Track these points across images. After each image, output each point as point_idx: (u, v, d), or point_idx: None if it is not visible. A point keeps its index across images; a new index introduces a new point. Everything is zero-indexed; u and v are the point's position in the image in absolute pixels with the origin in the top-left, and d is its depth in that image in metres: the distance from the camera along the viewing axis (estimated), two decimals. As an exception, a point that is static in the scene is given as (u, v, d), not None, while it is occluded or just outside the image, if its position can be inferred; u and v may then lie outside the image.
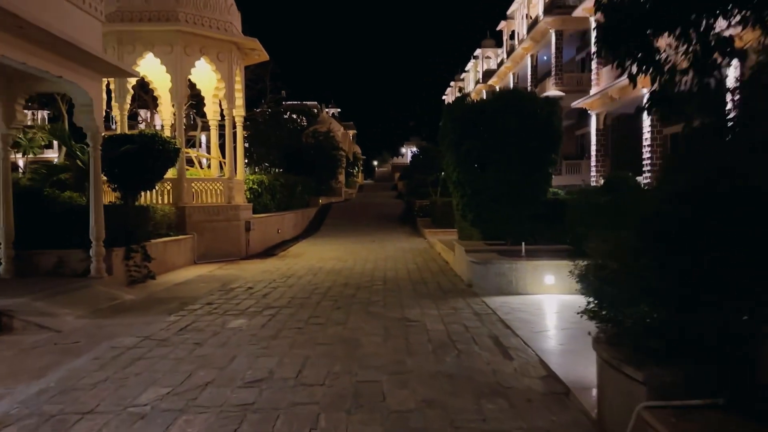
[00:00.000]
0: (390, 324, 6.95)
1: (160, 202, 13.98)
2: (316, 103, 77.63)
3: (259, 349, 5.88)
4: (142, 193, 13.79)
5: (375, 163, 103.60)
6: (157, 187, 13.82)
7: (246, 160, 38.71)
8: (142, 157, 12.06)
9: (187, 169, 17.24)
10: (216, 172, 17.11)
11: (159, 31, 13.83)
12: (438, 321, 7.03)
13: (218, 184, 14.88)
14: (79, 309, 8.05)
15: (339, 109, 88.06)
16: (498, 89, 49.08)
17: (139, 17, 13.83)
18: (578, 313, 4.16)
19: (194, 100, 22.34)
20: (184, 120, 31.91)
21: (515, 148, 9.90)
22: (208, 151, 17.15)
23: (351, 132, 76.41)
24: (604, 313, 3.83)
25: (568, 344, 5.86)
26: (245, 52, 15.79)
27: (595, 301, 3.95)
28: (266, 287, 10.01)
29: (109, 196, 13.21)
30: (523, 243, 9.46)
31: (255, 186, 18.96)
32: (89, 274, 9.66)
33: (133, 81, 14.84)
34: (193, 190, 14.36)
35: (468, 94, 10.81)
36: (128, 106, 14.86)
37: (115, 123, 14.97)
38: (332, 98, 72.38)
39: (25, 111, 10.50)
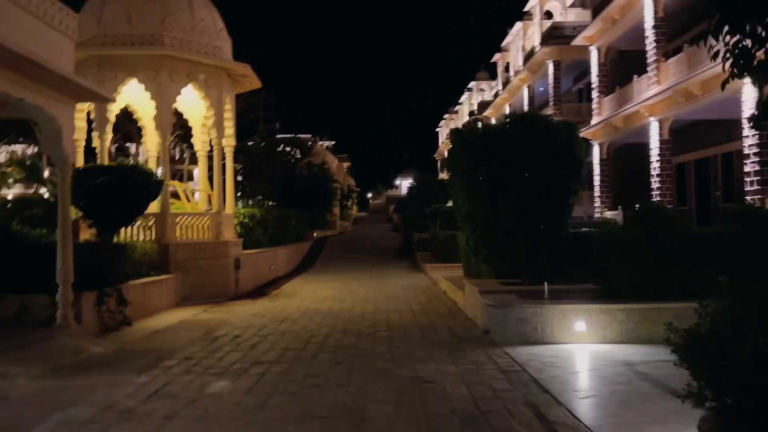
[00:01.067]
0: (402, 385, 5.82)
1: (142, 238, 12.88)
2: (310, 135, 77.20)
3: (243, 426, 4.74)
4: (123, 230, 12.71)
5: (369, 195, 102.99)
6: (138, 222, 12.74)
7: (239, 193, 37.88)
8: (121, 191, 11.01)
9: (173, 203, 16.21)
10: (204, 206, 16.06)
11: (143, 56, 12.91)
12: (459, 381, 5.90)
13: (205, 219, 13.81)
14: (36, 367, 6.88)
15: (333, 142, 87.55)
16: (493, 121, 48.66)
17: (122, 41, 12.93)
18: (681, 398, 3.04)
19: (182, 130, 21.44)
20: (171, 151, 30.95)
21: (534, 177, 8.93)
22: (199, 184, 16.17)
23: (345, 164, 75.84)
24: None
25: (625, 416, 4.75)
26: (236, 79, 14.90)
27: (710, 385, 2.85)
28: (255, 335, 8.86)
29: (86, 233, 12.11)
30: (545, 283, 8.39)
31: (246, 220, 17.90)
32: (55, 322, 8.49)
33: (115, 109, 13.88)
34: (178, 225, 13.28)
35: (479, 119, 9.79)
36: (110, 136, 13.86)
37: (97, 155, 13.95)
38: (326, 131, 71.83)
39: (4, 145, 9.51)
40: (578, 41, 26.45)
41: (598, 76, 25.79)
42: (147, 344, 8.47)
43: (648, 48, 20.23)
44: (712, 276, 8.42)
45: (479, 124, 9.73)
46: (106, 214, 11.12)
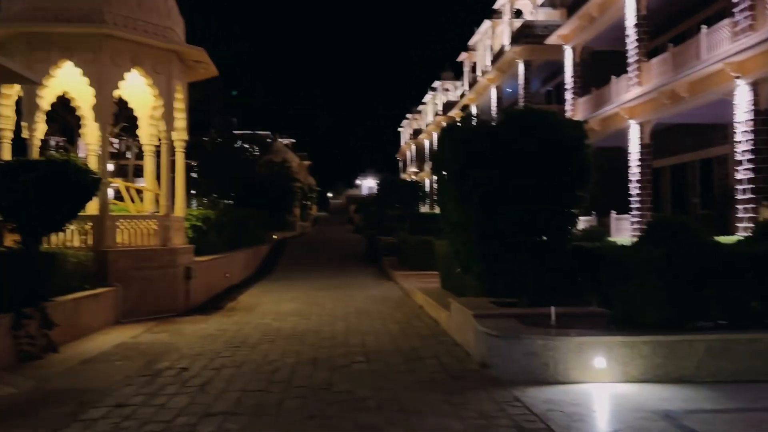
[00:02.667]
0: (397, 454, 4.48)
1: (78, 244, 11.16)
2: (269, 132, 75.07)
3: None
4: (54, 236, 10.98)
5: (329, 195, 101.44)
6: (73, 227, 11.04)
7: (194, 191, 35.84)
8: (49, 190, 9.33)
9: (116, 205, 14.45)
10: (151, 207, 14.36)
11: (80, 35, 11.19)
12: (470, 446, 4.60)
13: (151, 223, 12.15)
14: None
15: (293, 140, 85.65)
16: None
17: (56, 17, 11.18)
18: None
19: (128, 122, 19.55)
20: (115, 146, 28.67)
21: (535, 181, 7.72)
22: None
23: (306, 162, 74.09)
24: None
25: None
26: (189, 64, 13.27)
27: None
28: (206, 367, 7.37)
29: (10, 240, 10.34)
30: (552, 308, 7.17)
31: (199, 223, 16.22)
32: (-46, 353, 6.85)
33: (49, 96, 12.10)
34: (119, 230, 11.60)
35: (471, 114, 8.49)
36: (41, 127, 12.05)
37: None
38: (285, 128, 69.71)
39: None
40: (552, 40, 25.61)
41: (573, 76, 25.01)
42: (72, 380, 6.89)
43: (629, 47, 19.44)
44: (742, 301, 7.43)
45: (473, 121, 8.47)
46: (30, 218, 9.41)
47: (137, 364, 7.60)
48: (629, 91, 18.98)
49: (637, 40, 18.93)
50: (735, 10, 13.85)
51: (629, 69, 19.30)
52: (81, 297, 9.67)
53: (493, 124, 8.30)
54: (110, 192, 13.03)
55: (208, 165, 34.53)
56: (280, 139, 69.35)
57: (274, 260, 24.90)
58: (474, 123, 8.51)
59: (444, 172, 8.59)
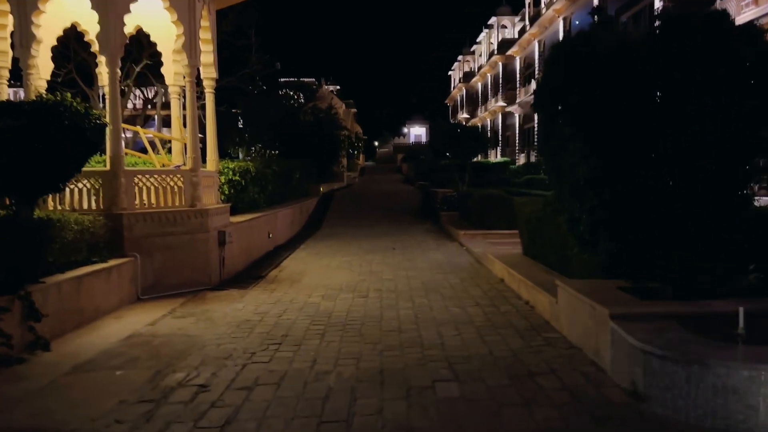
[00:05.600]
0: None
1: (93, 207, 9.22)
2: (314, 79, 72.42)
3: None
4: (57, 198, 9.06)
5: (376, 143, 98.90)
6: (82, 185, 9.09)
7: (237, 140, 33.95)
8: (36, 140, 7.29)
9: (138, 157, 12.47)
10: (181, 159, 12.31)
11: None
12: None
13: (176, 179, 10.08)
14: None
15: (338, 87, 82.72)
16: (519, 59, 43.95)
17: None
18: None
19: (152, 60, 17.41)
20: (137, 90, 26.35)
21: (708, 118, 5.16)
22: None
23: (352, 110, 71.52)
24: None
25: None
26: (216, -15, 10.90)
27: None
28: (234, 384, 5.31)
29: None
30: (741, 309, 4.72)
31: (237, 177, 14.19)
32: None
33: (50, 26, 10.02)
34: (137, 188, 9.57)
35: (611, 18, 5.85)
36: (40, 63, 10.03)
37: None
38: (330, 75, 66.75)
39: None
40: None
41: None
42: (43, 409, 4.92)
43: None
44: None
45: (615, 27, 5.82)
46: (15, 176, 7.42)
47: (143, 376, 5.60)
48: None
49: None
50: None
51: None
52: (85, 273, 7.73)
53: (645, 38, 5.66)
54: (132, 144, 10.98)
55: (251, 113, 32.44)
56: (326, 86, 66.70)
57: (322, 215, 22.89)
58: (614, 32, 5.90)
59: (559, 106, 6.08)
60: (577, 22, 32.64)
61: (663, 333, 4.78)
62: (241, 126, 33.87)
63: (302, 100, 47.33)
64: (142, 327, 7.49)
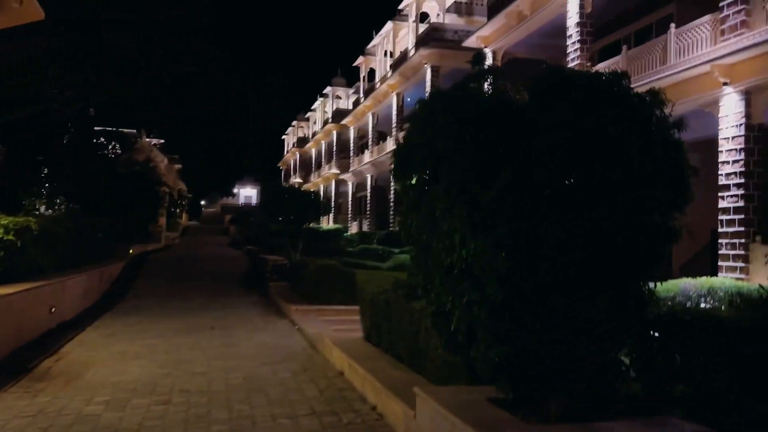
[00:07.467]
0: None
1: None
2: (135, 130, 67.14)
3: None
4: None
5: (203, 202, 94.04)
6: None
7: (35, 190, 29.19)
8: None
9: None
10: None
11: None
12: None
13: None
14: None
15: (163, 140, 77.62)
16: (354, 129, 44.26)
17: None
18: None
19: None
20: None
21: (605, 194, 4.23)
22: None
23: (177, 166, 67.13)
24: None
25: None
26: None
27: None
28: None
29: None
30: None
31: (9, 237, 11.19)
32: None
33: None
34: None
35: (487, 71, 4.72)
36: None
37: None
38: (155, 126, 62.03)
39: None
40: (471, 42, 22.86)
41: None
42: None
43: (569, 49, 16.97)
44: None
45: (488, 87, 4.74)
46: None
47: None
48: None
49: (579, 41, 16.52)
50: (724, 3, 11.54)
51: (568, 75, 16.82)
52: None
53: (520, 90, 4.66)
54: None
55: (56, 161, 28.23)
56: (148, 138, 61.93)
57: (129, 283, 19.68)
58: (488, 89, 4.83)
59: (426, 173, 4.84)
60: (409, 99, 33.56)
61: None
62: (44, 175, 29.36)
63: (119, 151, 42.99)
64: None
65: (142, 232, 28.89)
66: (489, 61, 22.17)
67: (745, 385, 4.73)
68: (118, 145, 44.15)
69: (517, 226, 4.19)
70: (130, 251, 23.86)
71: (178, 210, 53.51)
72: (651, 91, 4.76)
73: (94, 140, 38.86)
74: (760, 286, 6.80)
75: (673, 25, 13.35)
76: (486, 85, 4.98)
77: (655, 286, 4.70)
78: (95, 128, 44.71)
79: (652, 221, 4.48)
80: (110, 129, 55.31)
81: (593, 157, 4.35)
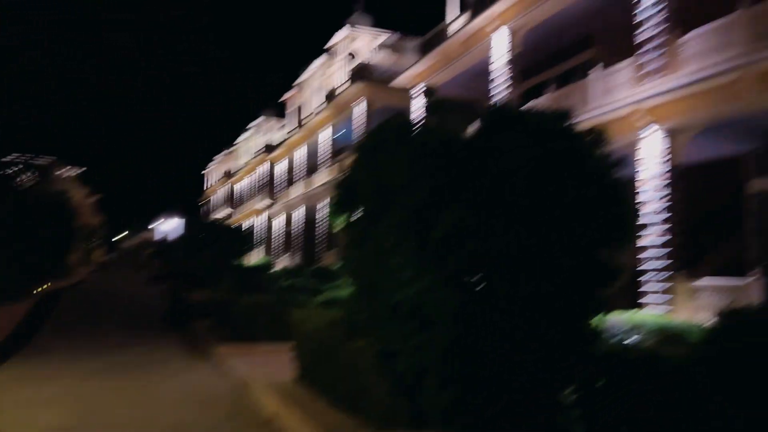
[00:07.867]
0: None
1: None
2: (51, 159, 63.69)
3: None
4: None
5: (122, 236, 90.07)
6: None
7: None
8: None
9: None
10: None
11: None
12: None
13: None
14: None
15: (83, 168, 73.88)
16: (288, 160, 43.59)
17: None
18: None
19: None
20: None
21: (549, 235, 4.15)
22: None
23: (92, 199, 64.06)
24: None
25: None
26: None
27: None
28: None
29: None
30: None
31: None
32: None
33: None
34: None
35: (441, 104, 4.65)
36: None
37: None
38: (73, 160, 59.37)
39: None
40: (402, 80, 23.16)
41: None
42: None
43: (495, 91, 17.49)
44: None
45: (448, 127, 4.56)
46: None
47: None
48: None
49: (506, 81, 17.04)
50: (643, 50, 12.24)
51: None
52: None
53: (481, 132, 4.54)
54: None
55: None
56: (64, 169, 58.79)
57: (36, 324, 18.16)
58: (448, 128, 4.69)
59: (371, 208, 4.63)
60: (341, 133, 33.63)
61: None
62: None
63: (31, 181, 40.52)
64: None
65: (56, 267, 27.08)
66: (418, 103, 22.59)
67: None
68: (29, 174, 41.65)
69: (472, 258, 4.04)
70: (41, 287, 22.20)
71: (92, 244, 50.78)
72: (592, 129, 4.80)
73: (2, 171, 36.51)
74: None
75: (596, 68, 14.01)
76: (433, 119, 4.88)
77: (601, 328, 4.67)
78: (5, 158, 42.07)
79: (597, 258, 4.45)
80: (24, 157, 52.18)
81: (550, 180, 4.30)
